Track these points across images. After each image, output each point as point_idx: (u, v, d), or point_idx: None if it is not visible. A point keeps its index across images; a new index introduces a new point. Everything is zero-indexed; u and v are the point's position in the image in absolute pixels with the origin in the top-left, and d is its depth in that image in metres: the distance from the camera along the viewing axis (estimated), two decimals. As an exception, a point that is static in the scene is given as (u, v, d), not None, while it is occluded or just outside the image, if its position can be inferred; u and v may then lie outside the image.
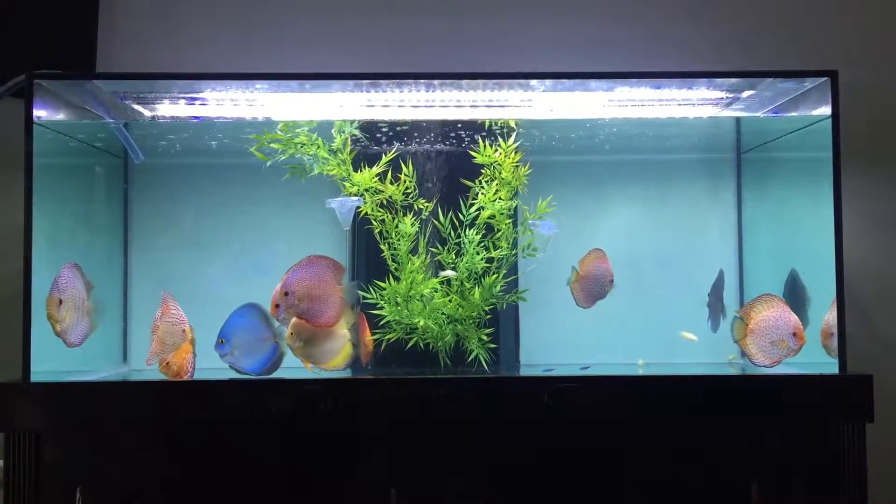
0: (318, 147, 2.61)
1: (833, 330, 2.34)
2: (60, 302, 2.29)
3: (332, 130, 2.62)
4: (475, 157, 2.61)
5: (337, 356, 2.37)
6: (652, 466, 2.28)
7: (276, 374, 2.36)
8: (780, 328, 2.38)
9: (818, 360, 2.40)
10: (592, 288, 2.59)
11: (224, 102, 2.54)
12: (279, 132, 2.59)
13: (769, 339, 2.39)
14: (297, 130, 2.59)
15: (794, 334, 2.37)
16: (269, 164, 2.59)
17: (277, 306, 2.34)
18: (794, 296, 2.61)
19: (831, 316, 2.36)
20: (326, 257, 2.39)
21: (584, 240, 2.79)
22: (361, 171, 2.61)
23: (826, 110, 2.34)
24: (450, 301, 2.60)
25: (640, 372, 2.61)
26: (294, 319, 2.35)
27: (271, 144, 2.59)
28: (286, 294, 2.32)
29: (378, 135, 2.66)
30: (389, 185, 2.61)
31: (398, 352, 2.60)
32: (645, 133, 2.80)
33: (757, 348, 2.41)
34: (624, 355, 2.78)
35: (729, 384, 2.33)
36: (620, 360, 2.77)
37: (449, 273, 2.57)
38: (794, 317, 2.39)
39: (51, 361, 2.31)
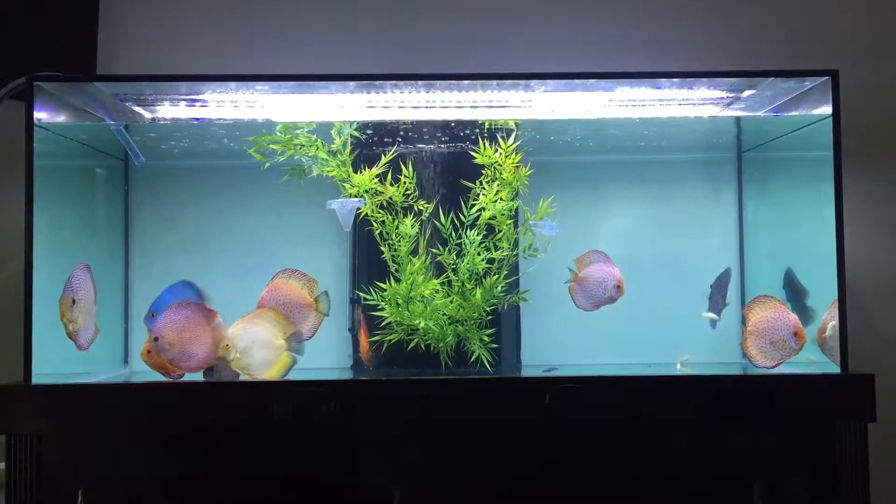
0: (318, 148, 2.61)
1: (829, 331, 2.35)
2: (74, 302, 2.29)
3: (332, 131, 2.62)
4: (475, 158, 2.61)
5: (273, 367, 2.34)
6: (654, 467, 2.28)
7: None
8: (779, 329, 2.38)
9: (818, 360, 2.41)
10: (594, 291, 2.57)
11: (224, 104, 2.54)
12: (278, 133, 2.59)
13: (769, 341, 2.39)
14: (297, 132, 2.59)
15: (795, 334, 2.37)
16: (267, 165, 2.59)
17: (149, 352, 2.35)
18: (793, 294, 2.61)
19: (829, 315, 2.36)
20: (195, 303, 2.38)
21: (586, 240, 2.80)
22: (361, 172, 2.61)
23: (826, 110, 2.34)
24: (451, 302, 2.60)
25: (679, 371, 2.58)
26: (230, 329, 2.33)
27: (271, 146, 2.59)
28: (156, 339, 2.29)
29: (378, 136, 2.66)
30: (389, 187, 2.61)
31: (399, 353, 2.60)
32: (645, 133, 2.80)
33: (757, 350, 2.41)
34: (626, 355, 2.77)
35: (731, 384, 2.32)
36: (622, 361, 2.77)
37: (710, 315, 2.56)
38: (794, 316, 2.39)
39: (53, 363, 2.31)
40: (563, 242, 2.67)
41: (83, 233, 2.71)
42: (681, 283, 2.85)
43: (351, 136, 2.63)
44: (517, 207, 2.67)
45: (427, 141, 2.67)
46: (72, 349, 2.32)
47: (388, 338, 2.60)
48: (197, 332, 2.32)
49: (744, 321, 2.44)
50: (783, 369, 2.40)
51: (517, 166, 2.62)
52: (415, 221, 2.61)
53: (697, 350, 2.75)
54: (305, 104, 2.59)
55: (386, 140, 2.65)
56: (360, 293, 2.65)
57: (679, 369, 2.59)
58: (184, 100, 2.53)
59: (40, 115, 2.33)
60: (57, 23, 2.81)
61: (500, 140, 2.61)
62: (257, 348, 2.33)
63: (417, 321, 2.57)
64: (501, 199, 2.62)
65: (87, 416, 2.23)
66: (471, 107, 2.57)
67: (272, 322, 2.36)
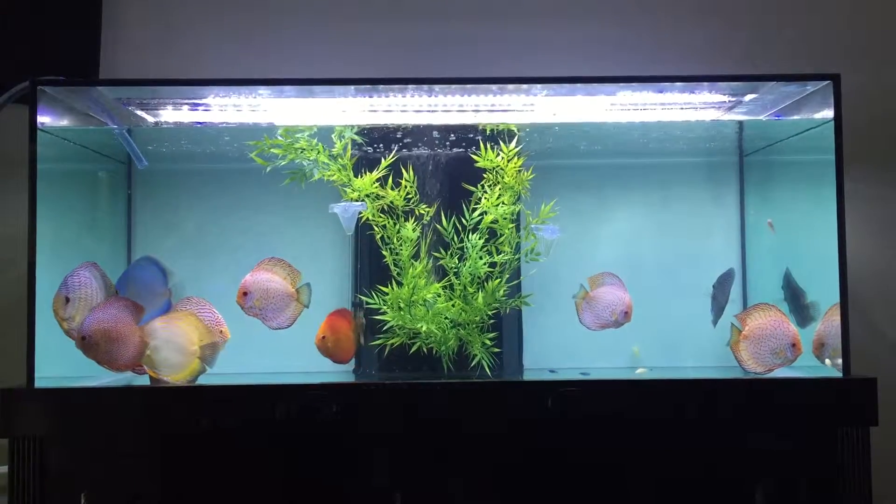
0: (319, 152, 2.61)
1: (825, 340, 2.36)
2: (67, 300, 2.29)
3: (333, 135, 2.62)
4: (477, 162, 2.62)
5: (182, 371, 2.32)
6: (655, 471, 2.28)
7: (281, 380, 2.36)
8: (778, 337, 2.39)
9: (810, 364, 2.41)
10: (601, 312, 2.58)
11: (227, 108, 2.55)
12: (279, 137, 2.59)
13: (767, 348, 2.39)
14: (298, 135, 2.60)
15: (794, 345, 2.38)
16: (268, 169, 2.59)
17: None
18: (791, 295, 2.62)
19: (823, 327, 2.37)
20: (125, 298, 2.36)
21: (587, 244, 2.80)
22: (363, 176, 2.61)
23: (828, 113, 2.34)
24: (453, 306, 2.60)
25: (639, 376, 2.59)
26: (148, 325, 2.32)
27: (272, 150, 2.59)
28: (83, 338, 2.25)
29: (380, 140, 2.66)
30: (390, 191, 2.61)
31: (401, 357, 2.60)
32: (647, 137, 2.80)
33: (749, 355, 2.41)
34: (627, 359, 2.77)
35: (732, 388, 2.32)
36: (624, 364, 2.77)
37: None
38: (793, 328, 2.40)
39: (57, 366, 2.31)
40: (566, 246, 2.67)
41: (86, 236, 2.71)
42: (683, 287, 2.85)
43: (352, 139, 2.63)
44: (519, 211, 2.67)
45: (429, 145, 2.68)
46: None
47: (391, 341, 2.60)
48: (124, 332, 2.29)
49: (735, 324, 2.45)
50: (786, 372, 2.40)
51: (519, 170, 2.62)
52: (416, 225, 2.61)
53: (698, 352, 2.76)
54: (308, 108, 2.60)
55: (388, 144, 2.66)
56: (362, 297, 2.65)
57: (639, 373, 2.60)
58: (186, 104, 2.54)
59: (43, 119, 2.34)
60: (60, 27, 2.82)
61: (501, 144, 2.61)
62: (170, 349, 2.31)
63: (419, 325, 2.57)
64: (503, 202, 2.62)
65: (90, 419, 2.23)
66: (473, 110, 2.57)
67: (191, 326, 2.34)
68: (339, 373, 2.69)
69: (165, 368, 2.31)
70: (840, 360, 2.31)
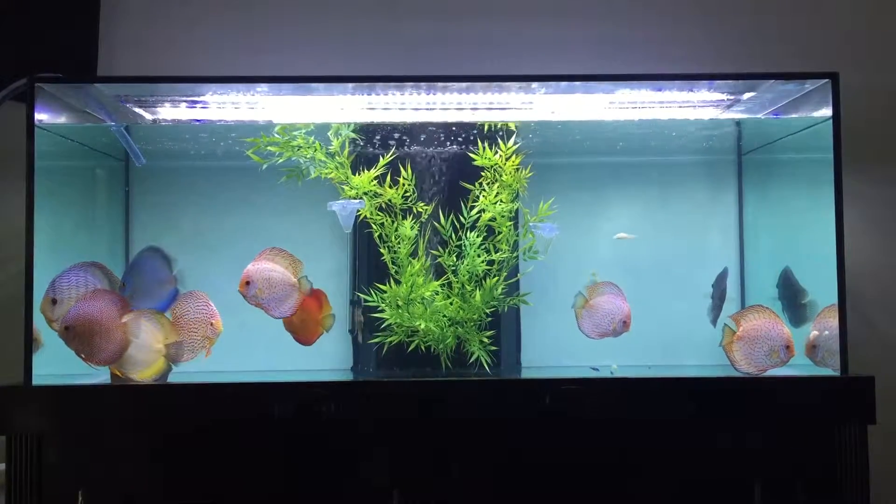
0: (316, 150, 2.61)
1: (817, 342, 2.36)
2: (54, 302, 2.29)
3: (329, 133, 2.62)
4: (475, 160, 2.61)
5: (147, 368, 2.31)
6: (654, 468, 2.28)
7: (280, 378, 2.36)
8: (772, 339, 2.39)
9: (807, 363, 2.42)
10: (601, 321, 2.58)
11: (225, 105, 2.55)
12: (276, 135, 2.59)
13: (761, 350, 2.40)
14: (294, 133, 2.59)
15: (787, 347, 2.38)
16: (265, 167, 2.59)
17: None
18: (790, 293, 2.62)
19: (816, 329, 2.37)
20: (112, 292, 2.34)
21: (586, 242, 2.80)
22: (360, 173, 2.61)
23: (827, 112, 2.34)
24: (451, 304, 2.60)
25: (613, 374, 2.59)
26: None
27: (269, 147, 2.59)
28: (66, 329, 2.24)
29: (378, 138, 2.66)
30: (388, 189, 2.61)
31: (400, 354, 2.60)
32: (646, 135, 2.80)
33: (742, 356, 2.42)
34: (626, 357, 2.77)
35: (731, 386, 2.33)
36: (622, 362, 2.76)
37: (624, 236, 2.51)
38: (787, 330, 2.41)
39: (55, 364, 2.31)
40: (564, 244, 2.67)
41: (84, 233, 2.71)
42: (681, 285, 2.85)
43: (349, 137, 2.63)
44: (517, 209, 2.67)
45: (427, 143, 2.67)
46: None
47: (389, 339, 2.60)
48: (109, 325, 2.28)
49: (729, 325, 2.45)
50: (784, 371, 2.40)
51: (517, 168, 2.62)
52: (414, 223, 2.61)
53: (696, 351, 2.76)
54: (306, 106, 2.59)
55: (386, 142, 2.65)
56: (361, 294, 2.65)
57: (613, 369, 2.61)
58: (184, 101, 2.53)
59: (41, 117, 2.34)
60: (58, 24, 2.82)
61: (500, 141, 2.61)
62: (134, 347, 2.30)
63: (418, 323, 2.57)
64: (501, 200, 2.62)
65: (88, 417, 2.23)
66: (471, 108, 2.57)
67: (157, 325, 2.33)
68: (337, 371, 2.70)
69: (129, 365, 2.30)
70: (832, 361, 2.32)
